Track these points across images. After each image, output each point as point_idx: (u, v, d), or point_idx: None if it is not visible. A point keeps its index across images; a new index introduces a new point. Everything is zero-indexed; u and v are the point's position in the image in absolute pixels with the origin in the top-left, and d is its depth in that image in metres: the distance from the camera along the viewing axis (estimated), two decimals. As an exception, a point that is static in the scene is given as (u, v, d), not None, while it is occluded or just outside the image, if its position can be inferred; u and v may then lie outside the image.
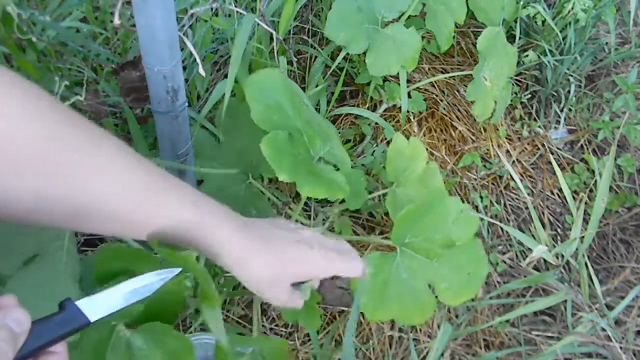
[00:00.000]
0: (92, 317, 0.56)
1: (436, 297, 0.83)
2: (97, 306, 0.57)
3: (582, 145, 1.48)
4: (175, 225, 0.55)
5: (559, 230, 1.33)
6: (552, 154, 1.44)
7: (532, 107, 1.51)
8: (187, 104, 0.81)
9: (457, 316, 1.15)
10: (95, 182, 0.48)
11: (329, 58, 1.22)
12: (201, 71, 0.78)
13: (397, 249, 0.81)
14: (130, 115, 0.89)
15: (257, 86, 0.79)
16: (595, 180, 1.35)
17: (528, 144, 1.45)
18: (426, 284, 0.81)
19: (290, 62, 1.15)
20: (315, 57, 1.22)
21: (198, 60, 0.76)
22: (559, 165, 1.40)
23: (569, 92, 1.49)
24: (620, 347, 1.01)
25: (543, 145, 1.45)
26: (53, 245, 0.70)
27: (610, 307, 1.13)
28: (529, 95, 1.50)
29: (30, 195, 0.46)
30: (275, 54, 0.99)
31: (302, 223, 1.00)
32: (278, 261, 0.60)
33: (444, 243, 0.82)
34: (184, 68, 0.93)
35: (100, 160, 0.48)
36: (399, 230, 0.81)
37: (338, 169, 0.85)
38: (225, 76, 1.10)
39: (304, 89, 1.17)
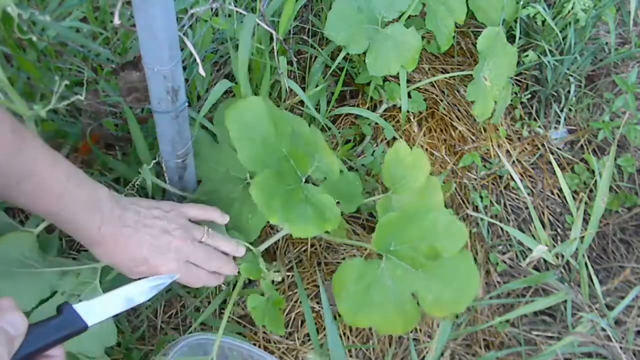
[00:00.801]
0: (90, 321, 0.57)
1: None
2: (94, 311, 0.58)
3: (582, 145, 1.47)
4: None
5: (559, 230, 1.33)
6: (552, 154, 1.43)
7: (532, 107, 1.51)
8: (187, 104, 0.81)
9: (457, 316, 1.15)
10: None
11: (329, 58, 1.21)
12: (201, 71, 0.77)
13: (383, 256, 0.81)
14: (130, 115, 0.88)
15: (241, 122, 0.79)
16: (595, 180, 1.34)
17: (528, 144, 1.45)
18: (410, 293, 0.81)
19: (290, 62, 1.15)
20: (315, 57, 1.22)
21: (198, 60, 0.76)
22: (559, 165, 1.39)
23: (569, 92, 1.49)
24: (620, 347, 1.01)
25: (543, 145, 1.45)
26: (16, 259, 0.72)
27: (610, 307, 1.12)
28: (529, 95, 1.50)
29: None
30: (275, 54, 0.98)
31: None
32: (132, 261, 0.70)
33: (430, 253, 0.81)
34: (184, 68, 0.92)
35: None
36: (382, 237, 0.81)
37: (325, 178, 0.86)
38: (225, 76, 1.11)
39: (304, 89, 1.17)
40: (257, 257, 0.86)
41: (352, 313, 0.80)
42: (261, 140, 0.80)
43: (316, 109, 1.16)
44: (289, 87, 1.05)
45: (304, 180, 0.84)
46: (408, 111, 1.32)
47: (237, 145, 0.78)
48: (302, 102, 1.15)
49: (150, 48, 0.69)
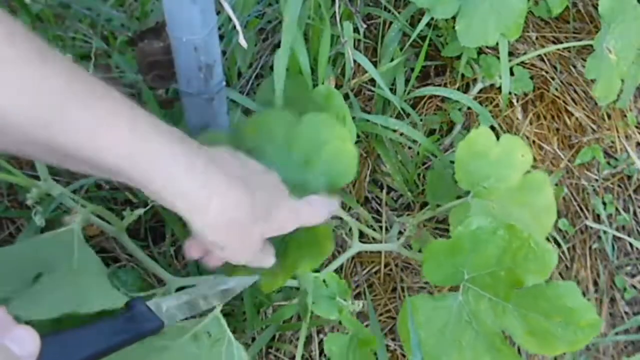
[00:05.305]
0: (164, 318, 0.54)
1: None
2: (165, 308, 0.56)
3: None
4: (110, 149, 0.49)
5: None
6: (696, 146, 1.33)
7: (671, 87, 1.39)
8: (224, 83, 0.76)
9: (574, 358, 1.06)
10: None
11: (407, 24, 1.11)
12: (242, 41, 0.71)
13: (460, 286, 0.76)
14: (151, 97, 0.82)
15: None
16: None
17: (665, 134, 1.35)
18: (500, 330, 0.75)
19: (357, 30, 1.06)
20: (390, 22, 1.12)
21: (238, 27, 0.70)
22: None
23: None
24: None
25: (685, 135, 1.35)
26: (59, 260, 0.67)
27: None
28: (667, 72, 1.38)
29: None
30: (338, 19, 0.91)
31: (373, 239, 0.90)
32: (250, 206, 0.55)
33: (510, 280, 0.75)
34: (221, 37, 0.84)
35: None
36: (440, 264, 0.75)
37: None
38: (274, 47, 1.03)
39: (375, 64, 1.07)
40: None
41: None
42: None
43: (391, 89, 1.08)
44: (355, 61, 0.97)
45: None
46: (510, 92, 1.22)
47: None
48: (372, 81, 1.06)
49: (177, 11, 0.65)
